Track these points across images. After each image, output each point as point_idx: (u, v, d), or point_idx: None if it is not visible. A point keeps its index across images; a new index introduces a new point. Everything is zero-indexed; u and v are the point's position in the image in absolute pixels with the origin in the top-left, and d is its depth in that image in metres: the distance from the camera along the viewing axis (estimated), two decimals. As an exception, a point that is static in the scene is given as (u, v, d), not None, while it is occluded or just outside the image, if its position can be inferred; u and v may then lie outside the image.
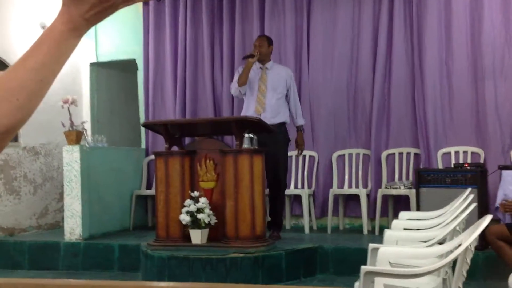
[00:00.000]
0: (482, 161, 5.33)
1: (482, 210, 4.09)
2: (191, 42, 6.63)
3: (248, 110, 5.16)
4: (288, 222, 6.09)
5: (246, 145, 4.56)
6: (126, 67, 7.31)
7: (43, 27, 6.47)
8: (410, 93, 5.80)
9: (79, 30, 0.83)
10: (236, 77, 5.23)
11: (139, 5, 6.97)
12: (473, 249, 2.19)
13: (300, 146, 5.36)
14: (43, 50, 0.81)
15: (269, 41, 5.30)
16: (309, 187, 6.06)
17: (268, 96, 5.15)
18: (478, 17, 5.54)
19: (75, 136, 5.62)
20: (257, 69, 5.22)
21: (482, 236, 3.76)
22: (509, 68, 5.41)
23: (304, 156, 6.11)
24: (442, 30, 5.67)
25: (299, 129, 5.36)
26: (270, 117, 5.08)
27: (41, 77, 0.80)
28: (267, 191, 5.16)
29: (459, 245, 2.12)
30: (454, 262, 2.18)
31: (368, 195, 5.73)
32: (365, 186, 5.89)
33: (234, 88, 5.22)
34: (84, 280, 3.20)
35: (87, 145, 5.83)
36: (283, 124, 5.21)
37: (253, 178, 4.52)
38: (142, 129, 6.80)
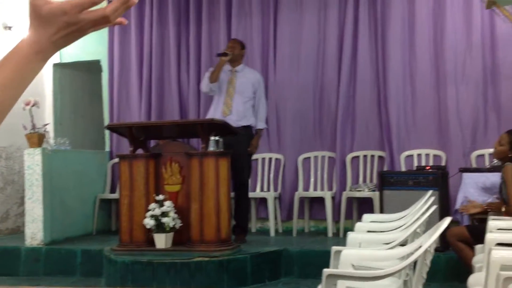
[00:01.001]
0: (443, 163, 5.43)
1: (443, 212, 4.16)
2: (157, 43, 6.57)
3: (216, 112, 5.23)
4: (253, 225, 6.08)
5: (212, 147, 4.54)
6: (90, 68, 7.20)
7: (5, 28, 6.33)
8: (374, 96, 5.87)
9: (45, 53, 0.82)
10: (207, 74, 5.30)
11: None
12: (432, 251, 2.22)
13: (252, 149, 5.33)
14: (6, 72, 0.79)
15: (242, 45, 5.41)
16: (275, 190, 6.07)
17: (235, 99, 5.23)
18: (441, 23, 5.65)
19: (37, 138, 5.51)
20: (227, 71, 5.29)
21: (443, 238, 3.83)
22: (470, 73, 5.53)
23: (270, 159, 6.13)
24: (405, 35, 5.76)
25: (257, 132, 5.37)
26: (236, 120, 5.13)
27: (1, 99, 0.79)
28: (233, 194, 5.17)
29: (419, 247, 2.15)
30: (415, 264, 2.21)
31: (333, 198, 5.77)
32: (330, 188, 5.93)
33: (205, 84, 5.30)
34: (45, 287, 3.15)
35: (49, 148, 5.71)
36: (248, 127, 5.26)
37: (218, 181, 4.50)
38: (107, 132, 6.71)
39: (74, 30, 0.82)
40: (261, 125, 5.39)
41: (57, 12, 0.80)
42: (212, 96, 5.41)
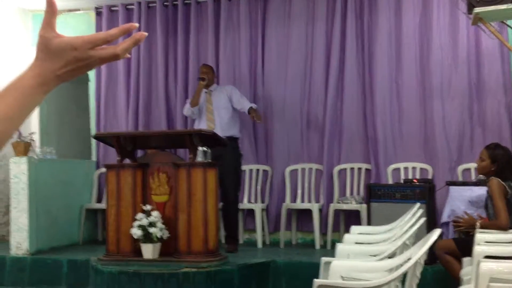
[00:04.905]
0: (430, 177, 5.48)
1: (430, 225, 4.20)
2: (144, 53, 6.57)
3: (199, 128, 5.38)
4: (241, 237, 6.07)
5: (200, 158, 4.54)
6: (77, 78, 7.14)
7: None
8: (361, 109, 5.91)
9: (48, 85, 0.82)
10: (188, 101, 5.68)
11: (92, 15, 6.88)
12: (422, 263, 2.24)
13: (257, 118, 5.34)
14: (9, 102, 0.79)
15: (212, 69, 5.80)
16: (262, 201, 6.07)
17: (215, 113, 5.51)
18: (427, 38, 5.73)
19: (23, 147, 5.46)
20: (204, 94, 5.59)
21: (431, 250, 3.85)
22: (456, 88, 5.60)
23: (258, 170, 6.14)
24: (392, 50, 5.82)
25: (252, 110, 5.36)
26: (221, 132, 5.27)
27: (3, 128, 0.78)
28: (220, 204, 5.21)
29: (409, 259, 2.16)
30: (404, 275, 2.22)
31: (320, 210, 5.78)
32: (317, 200, 5.95)
33: (187, 108, 5.64)
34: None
35: (35, 157, 5.67)
36: (232, 138, 5.39)
37: (206, 191, 4.50)
38: (93, 141, 6.67)
39: (82, 66, 0.82)
40: (251, 104, 5.46)
41: (67, 47, 0.80)
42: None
